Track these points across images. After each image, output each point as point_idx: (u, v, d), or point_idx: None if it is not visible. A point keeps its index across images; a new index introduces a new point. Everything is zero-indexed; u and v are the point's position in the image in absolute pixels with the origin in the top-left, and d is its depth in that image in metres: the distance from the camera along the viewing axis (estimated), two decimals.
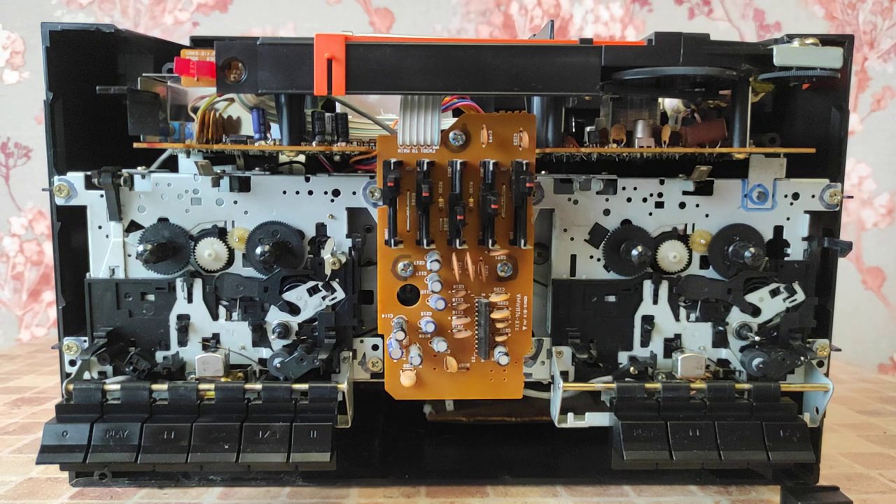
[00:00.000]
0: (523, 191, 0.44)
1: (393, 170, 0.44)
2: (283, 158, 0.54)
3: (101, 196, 0.49)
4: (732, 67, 0.44)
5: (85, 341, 0.50)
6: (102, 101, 0.52)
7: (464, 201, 0.45)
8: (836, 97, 0.53)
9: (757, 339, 0.50)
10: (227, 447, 0.45)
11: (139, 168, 0.50)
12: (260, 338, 0.51)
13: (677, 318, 0.52)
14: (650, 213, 0.51)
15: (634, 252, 0.49)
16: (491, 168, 0.45)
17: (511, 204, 0.46)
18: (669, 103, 0.56)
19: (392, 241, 0.46)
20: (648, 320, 0.51)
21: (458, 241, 0.46)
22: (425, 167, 0.45)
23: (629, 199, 0.51)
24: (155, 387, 0.47)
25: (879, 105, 0.83)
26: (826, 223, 0.52)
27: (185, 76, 0.43)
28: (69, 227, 0.51)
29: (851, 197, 0.52)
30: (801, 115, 0.56)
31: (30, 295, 0.80)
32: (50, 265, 0.75)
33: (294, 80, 0.43)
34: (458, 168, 0.45)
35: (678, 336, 0.52)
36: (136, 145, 0.46)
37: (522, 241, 0.46)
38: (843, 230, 0.53)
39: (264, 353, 0.51)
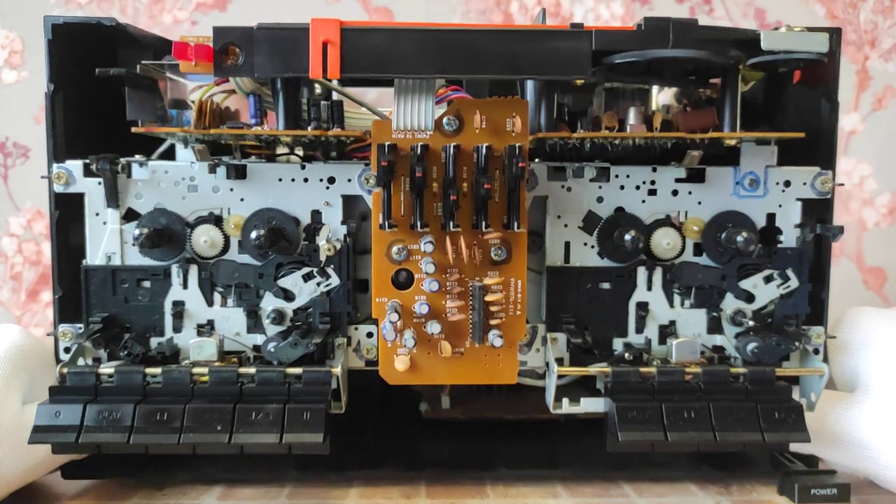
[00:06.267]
0: (516, 173, 0.44)
1: (387, 152, 0.45)
2: (279, 152, 0.54)
3: (99, 184, 0.50)
4: (721, 52, 0.45)
5: (80, 328, 0.50)
6: (102, 94, 0.53)
7: (457, 184, 0.46)
8: (825, 89, 0.53)
9: (752, 323, 0.50)
10: (219, 428, 0.45)
11: (137, 156, 0.50)
12: (254, 324, 0.51)
13: (672, 305, 0.52)
14: (643, 201, 0.51)
15: (627, 237, 0.49)
16: (484, 152, 0.46)
17: (504, 188, 0.47)
18: (661, 99, 0.56)
19: (386, 223, 0.46)
20: (643, 307, 0.51)
21: (451, 224, 0.46)
22: (419, 151, 0.45)
23: (622, 187, 0.51)
24: (149, 370, 0.47)
25: (881, 104, 0.84)
26: (818, 211, 0.52)
27: (184, 61, 0.44)
28: (67, 218, 0.51)
29: (842, 184, 0.53)
30: (791, 108, 0.57)
31: (28, 295, 0.81)
32: (48, 265, 0.75)
33: (290, 63, 0.44)
34: (452, 152, 0.46)
35: (673, 323, 0.52)
36: (133, 130, 0.47)
37: (516, 224, 0.46)
38: (845, 230, 0.53)
39: (259, 339, 0.51)
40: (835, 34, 0.51)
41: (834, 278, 0.53)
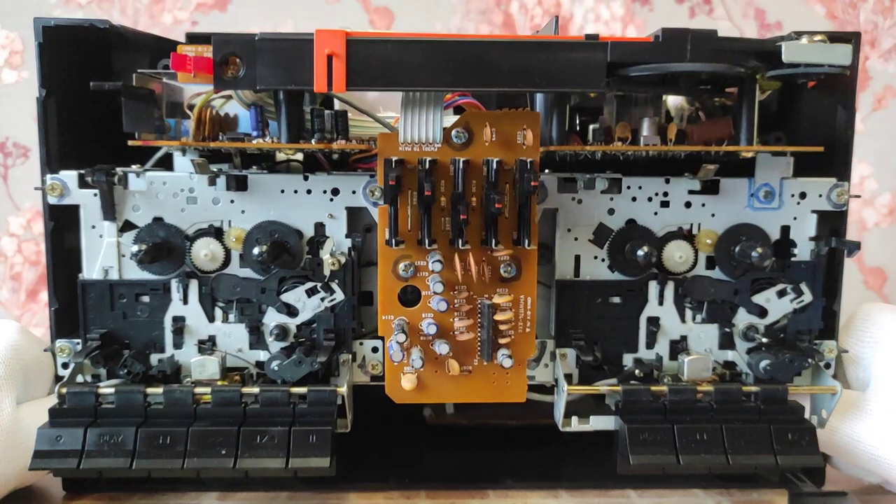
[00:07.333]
0: (527, 189, 0.43)
1: (394, 168, 0.43)
2: (280, 157, 0.53)
3: (95, 195, 0.48)
4: (740, 64, 0.43)
5: (78, 344, 0.49)
6: (97, 99, 0.50)
7: (466, 200, 0.44)
8: (841, 95, 0.52)
9: (764, 340, 0.49)
10: (224, 452, 0.44)
11: (134, 166, 0.49)
12: (257, 340, 0.49)
13: (683, 320, 0.51)
14: (655, 213, 0.50)
15: (640, 252, 0.48)
16: (494, 166, 0.44)
17: (514, 203, 0.46)
18: (673, 101, 0.55)
19: (393, 240, 0.45)
20: (654, 322, 0.50)
21: (460, 241, 0.45)
22: (427, 165, 0.44)
23: (634, 199, 0.50)
24: (150, 390, 0.46)
25: (881, 104, 0.83)
26: (832, 223, 0.51)
27: (182, 72, 0.42)
28: (63, 226, 0.50)
29: (858, 196, 0.52)
30: (806, 114, 0.55)
31: (28, 295, 0.80)
32: None
33: (293, 76, 0.42)
34: (461, 166, 0.44)
35: (684, 338, 0.51)
36: (130, 143, 0.45)
37: (526, 241, 0.45)
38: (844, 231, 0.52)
39: (262, 355, 0.50)
40: (854, 40, 0.50)
41: None
